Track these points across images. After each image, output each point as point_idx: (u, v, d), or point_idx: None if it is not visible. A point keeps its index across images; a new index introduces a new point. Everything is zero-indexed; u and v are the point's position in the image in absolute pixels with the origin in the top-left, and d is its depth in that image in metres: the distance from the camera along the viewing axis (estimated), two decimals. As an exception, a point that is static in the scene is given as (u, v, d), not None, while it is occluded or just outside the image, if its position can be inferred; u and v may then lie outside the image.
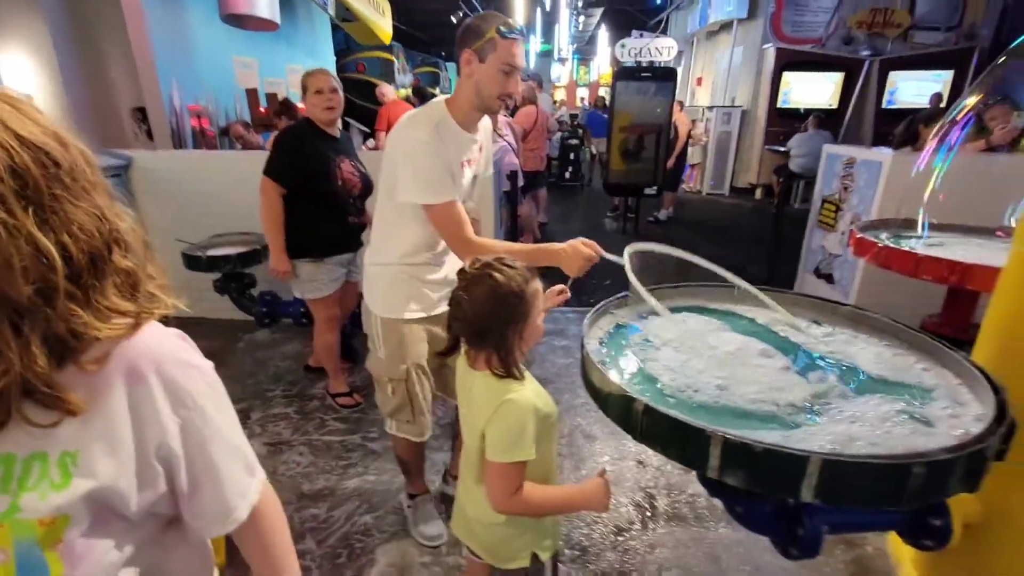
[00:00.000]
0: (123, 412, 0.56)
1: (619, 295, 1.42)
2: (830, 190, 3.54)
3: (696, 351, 1.21)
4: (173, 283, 0.65)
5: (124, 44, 4.25)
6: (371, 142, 5.94)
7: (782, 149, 7.61)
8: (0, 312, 0.48)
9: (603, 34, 17.35)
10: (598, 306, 1.37)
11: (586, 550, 1.80)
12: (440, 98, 1.48)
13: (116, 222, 0.58)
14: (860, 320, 1.35)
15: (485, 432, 1.04)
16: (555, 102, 14.18)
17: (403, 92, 8.88)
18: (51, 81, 4.05)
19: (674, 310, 1.44)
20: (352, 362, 3.00)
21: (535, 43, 18.69)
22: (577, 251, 1.36)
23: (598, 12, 15.66)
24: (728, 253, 5.52)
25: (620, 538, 1.85)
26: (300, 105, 2.55)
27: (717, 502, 1.61)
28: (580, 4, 14.69)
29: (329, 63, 8.16)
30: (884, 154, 3.08)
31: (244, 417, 2.53)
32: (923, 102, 7.14)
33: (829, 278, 3.55)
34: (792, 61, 7.97)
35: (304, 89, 2.26)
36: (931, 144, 2.23)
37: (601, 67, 18.85)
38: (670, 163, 6.18)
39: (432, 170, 1.38)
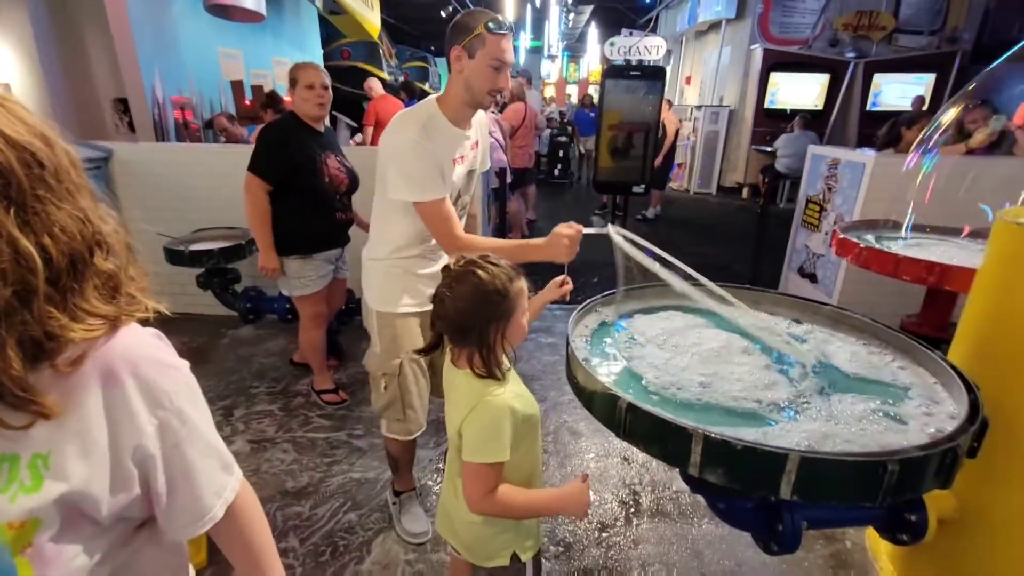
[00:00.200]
0: (98, 414, 0.55)
1: (605, 293, 1.42)
2: (814, 190, 3.59)
3: (680, 349, 1.22)
4: (155, 279, 0.64)
5: (106, 33, 4.16)
6: (359, 137, 5.89)
7: (769, 149, 7.69)
8: None
9: (593, 32, 17.35)
10: (584, 304, 1.37)
11: (570, 546, 1.81)
12: (432, 96, 1.50)
13: (99, 224, 0.57)
14: (840, 320, 1.37)
15: (462, 431, 1.05)
16: (545, 99, 14.16)
17: (386, 75, 8.82)
18: (30, 70, 3.96)
19: (657, 309, 1.46)
20: (339, 360, 2.98)
21: (525, 39, 18.64)
22: (558, 236, 1.36)
23: (588, 9, 15.66)
24: (714, 252, 5.58)
25: (604, 534, 1.87)
26: (287, 98, 2.51)
27: (700, 499, 1.63)
28: (570, 1, 14.68)
29: (316, 56, 8.07)
30: (867, 155, 3.13)
31: (228, 414, 2.50)
32: (906, 104, 7.26)
33: (813, 277, 3.60)
34: (779, 62, 8.05)
35: (293, 82, 2.22)
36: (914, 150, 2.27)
37: (591, 64, 18.88)
38: (658, 161, 6.21)
39: (420, 169, 1.39)
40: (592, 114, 7.39)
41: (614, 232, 1.24)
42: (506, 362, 1.11)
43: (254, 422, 2.47)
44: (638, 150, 6.10)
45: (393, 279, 1.56)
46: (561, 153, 9.18)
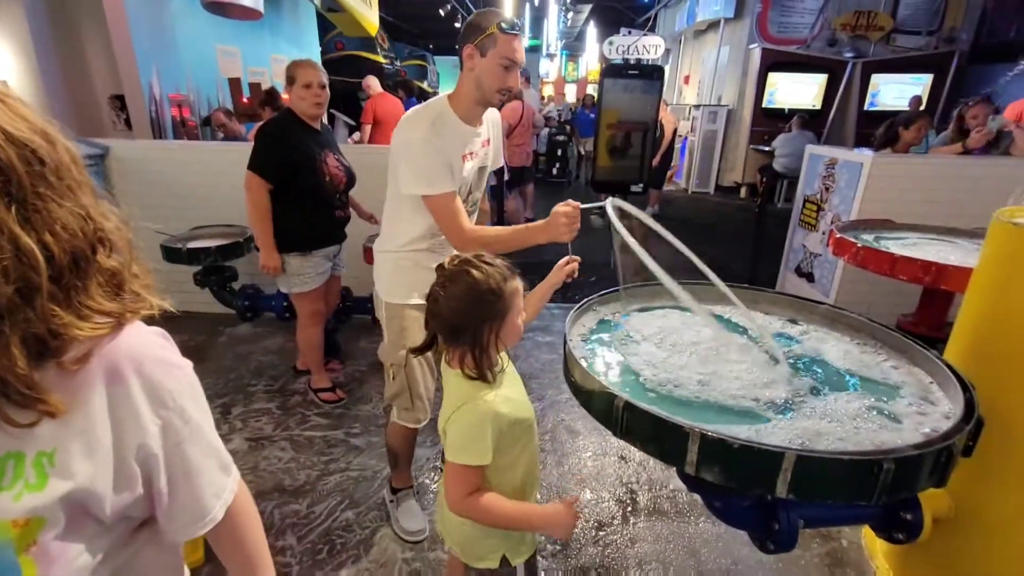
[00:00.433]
0: (102, 412, 0.55)
1: (603, 292, 1.43)
2: (812, 190, 3.59)
3: (677, 347, 1.23)
4: (153, 277, 0.64)
5: (103, 29, 4.14)
6: (357, 135, 5.87)
7: (767, 149, 7.69)
8: None
9: (591, 31, 17.34)
10: (581, 303, 1.38)
11: (567, 545, 1.81)
12: (443, 94, 1.53)
13: (101, 221, 0.57)
14: (837, 319, 1.38)
15: (446, 430, 1.05)
16: (543, 98, 14.15)
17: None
18: (26, 66, 3.94)
19: (654, 307, 1.46)
20: (340, 361, 2.97)
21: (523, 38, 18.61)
22: (556, 215, 1.38)
23: (587, 8, 15.65)
24: (712, 251, 5.58)
25: (601, 533, 1.87)
26: (284, 96, 2.50)
27: (697, 497, 1.63)
28: (569, 0, 14.67)
29: (314, 53, 8.04)
30: (865, 155, 3.13)
31: (225, 412, 2.50)
32: (904, 104, 7.27)
33: (810, 277, 3.61)
34: (777, 61, 8.05)
35: (290, 80, 2.21)
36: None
37: (589, 64, 18.86)
38: (655, 161, 6.21)
39: (429, 163, 1.42)
40: (592, 115, 7.38)
41: (611, 207, 1.24)
42: (503, 363, 1.11)
43: (252, 420, 2.46)
44: (636, 149, 6.10)
45: (403, 272, 1.59)
46: (559, 152, 9.17)
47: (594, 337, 1.31)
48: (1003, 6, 7.43)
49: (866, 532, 1.85)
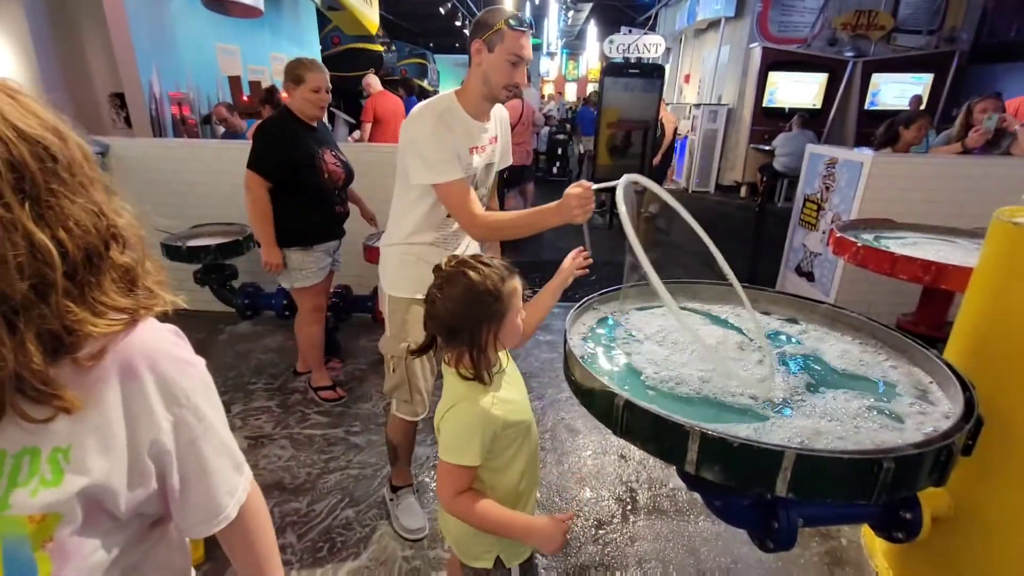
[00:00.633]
0: (117, 409, 0.55)
1: (604, 291, 1.43)
2: (812, 189, 3.59)
3: (678, 345, 1.23)
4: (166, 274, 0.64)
5: (102, 28, 4.14)
6: (357, 133, 5.87)
7: (767, 148, 7.69)
8: None
9: (592, 29, 17.33)
10: (582, 301, 1.38)
11: (567, 544, 1.82)
12: (451, 89, 1.55)
13: (114, 218, 0.57)
14: (837, 318, 1.38)
15: (440, 427, 1.05)
16: (543, 96, 14.12)
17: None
18: (26, 65, 3.93)
19: (653, 306, 1.46)
20: (340, 360, 2.97)
21: (524, 37, 18.57)
22: (568, 196, 1.35)
23: (587, 7, 15.63)
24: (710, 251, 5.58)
25: (601, 531, 1.87)
26: (283, 94, 2.50)
27: (696, 496, 1.63)
28: (570, -1, 14.66)
29: (315, 52, 8.03)
30: (865, 155, 3.13)
31: (225, 410, 2.47)
32: (904, 104, 7.26)
33: (810, 276, 3.61)
34: (778, 61, 8.04)
35: (297, 80, 2.19)
36: None
37: (590, 62, 18.85)
38: (656, 160, 6.21)
39: (436, 152, 1.43)
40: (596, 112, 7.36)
41: (621, 188, 1.19)
42: (503, 363, 1.10)
43: (252, 418, 2.47)
44: (636, 148, 6.09)
45: (407, 266, 1.60)
46: (560, 151, 9.17)
47: (594, 336, 1.31)
48: (1003, 6, 7.42)
49: (865, 531, 1.85)
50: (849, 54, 7.98)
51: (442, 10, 12.40)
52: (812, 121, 7.46)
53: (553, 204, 1.39)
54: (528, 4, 14.77)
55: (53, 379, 0.50)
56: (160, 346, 0.59)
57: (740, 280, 1.32)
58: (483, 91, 1.47)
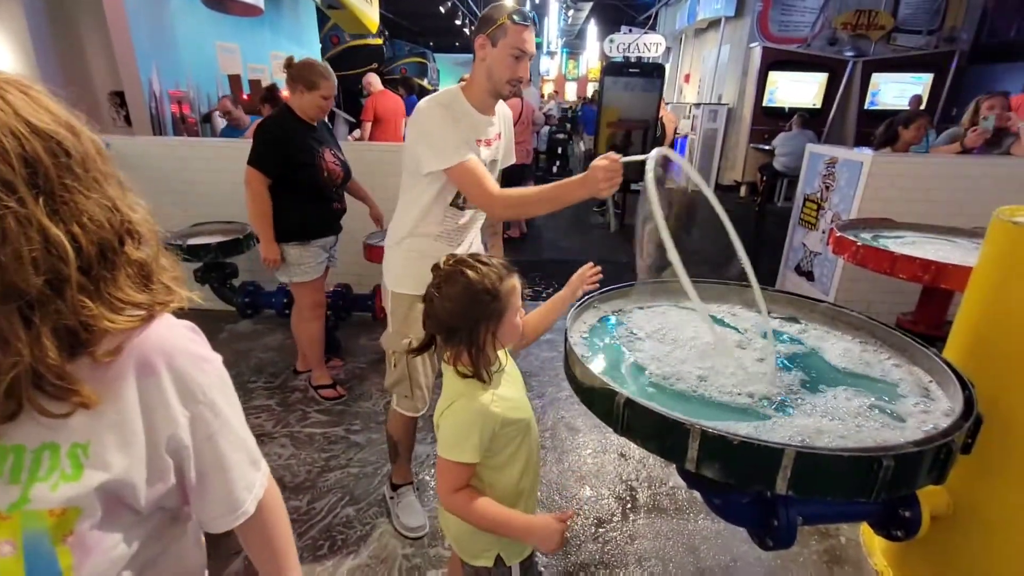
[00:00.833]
0: (134, 404, 0.55)
1: (603, 290, 1.43)
2: (812, 189, 3.60)
3: (678, 343, 1.23)
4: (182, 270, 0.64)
5: (102, 26, 4.14)
6: (357, 132, 5.86)
7: (767, 147, 7.69)
8: (10, 303, 0.47)
9: (592, 28, 17.32)
10: (582, 300, 1.38)
11: (567, 542, 1.82)
12: (455, 85, 1.56)
13: (128, 213, 0.57)
14: (837, 317, 1.38)
15: (439, 424, 1.06)
16: (543, 95, 14.12)
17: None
18: (25, 63, 3.93)
19: (652, 307, 1.46)
20: (340, 359, 2.97)
21: (524, 36, 18.54)
22: (595, 168, 1.30)
23: (587, 6, 15.62)
24: (712, 249, 5.58)
25: (601, 530, 1.88)
26: (285, 93, 2.50)
27: (696, 495, 1.64)
28: (570, -2, 14.65)
29: (315, 51, 8.03)
30: (865, 154, 3.14)
31: (225, 409, 2.50)
32: (904, 104, 7.27)
33: (810, 275, 3.61)
34: (778, 60, 8.04)
35: (310, 85, 2.20)
36: None
37: (590, 62, 18.85)
38: (657, 159, 6.19)
39: (444, 136, 1.44)
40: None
41: (652, 161, 1.16)
42: (503, 361, 1.10)
43: (252, 417, 2.47)
44: (637, 148, 6.09)
45: (410, 262, 1.61)
46: (560, 150, 9.17)
47: (595, 334, 1.32)
48: (1003, 6, 7.43)
49: (864, 529, 1.86)
50: (849, 54, 7.98)
51: (442, 9, 12.38)
52: (812, 121, 7.46)
53: (578, 176, 1.34)
54: (528, 3, 14.76)
55: (70, 374, 0.50)
56: (177, 342, 0.59)
57: (739, 279, 1.32)
58: (487, 86, 1.49)
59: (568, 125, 9.36)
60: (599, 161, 1.30)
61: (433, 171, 1.46)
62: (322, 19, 8.38)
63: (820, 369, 1.16)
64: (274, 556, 0.73)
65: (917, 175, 3.11)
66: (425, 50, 12.25)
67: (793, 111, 7.63)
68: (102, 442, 0.54)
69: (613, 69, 5.98)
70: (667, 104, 6.70)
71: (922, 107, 7.20)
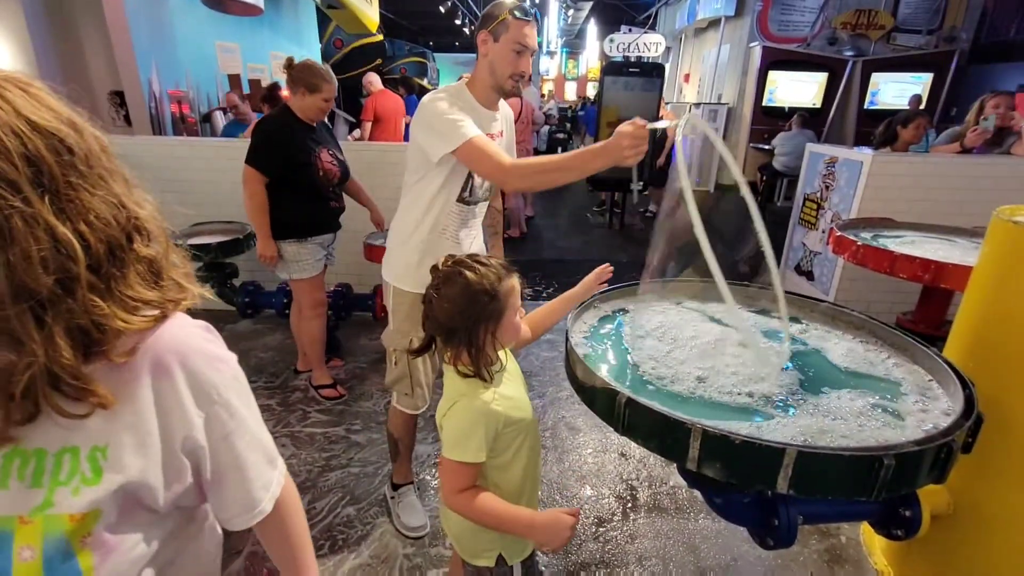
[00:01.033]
0: (149, 405, 0.55)
1: (603, 290, 1.43)
2: (812, 188, 3.60)
3: (678, 342, 1.23)
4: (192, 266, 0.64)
5: (102, 25, 4.13)
6: (357, 132, 5.86)
7: (767, 147, 7.69)
8: (21, 303, 0.47)
9: (592, 28, 17.32)
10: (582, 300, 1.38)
11: (570, 540, 1.82)
12: (459, 81, 1.57)
13: (136, 209, 0.56)
14: (837, 317, 1.38)
15: (442, 424, 1.05)
16: (543, 95, 14.12)
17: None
18: (25, 62, 3.93)
19: (651, 306, 1.46)
20: (340, 359, 2.97)
21: (523, 35, 18.54)
22: (620, 135, 1.24)
23: (587, 6, 15.62)
24: (712, 248, 5.58)
25: (601, 529, 1.88)
26: (285, 93, 2.50)
27: (697, 494, 1.64)
28: (569, -3, 14.64)
29: (315, 50, 8.03)
30: (864, 154, 3.14)
31: (225, 408, 2.50)
32: (904, 103, 7.27)
33: (810, 275, 3.62)
34: (778, 60, 8.04)
35: (312, 88, 2.21)
36: None
37: (590, 61, 18.84)
38: (660, 160, 6.19)
39: (450, 120, 1.42)
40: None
41: (682, 127, 1.12)
42: (503, 361, 1.10)
43: (252, 417, 2.46)
44: (636, 147, 6.05)
45: (413, 260, 1.61)
46: (560, 150, 9.17)
47: (596, 334, 1.32)
48: (1003, 6, 7.43)
49: (864, 529, 1.86)
50: (849, 53, 7.98)
51: (442, 8, 12.38)
52: (812, 120, 7.46)
53: (598, 144, 1.28)
54: (528, 2, 14.76)
55: (85, 374, 0.50)
56: (191, 342, 0.59)
57: (739, 279, 1.32)
58: (490, 81, 1.50)
59: (568, 124, 9.36)
60: (624, 127, 1.23)
61: (444, 155, 1.43)
62: (323, 23, 8.38)
63: (823, 369, 1.16)
64: (292, 551, 0.74)
65: (917, 175, 3.11)
66: (425, 50, 12.25)
67: (793, 111, 7.63)
68: (120, 444, 0.53)
69: (613, 69, 5.98)
70: (667, 104, 6.69)
71: (922, 107, 7.20)
